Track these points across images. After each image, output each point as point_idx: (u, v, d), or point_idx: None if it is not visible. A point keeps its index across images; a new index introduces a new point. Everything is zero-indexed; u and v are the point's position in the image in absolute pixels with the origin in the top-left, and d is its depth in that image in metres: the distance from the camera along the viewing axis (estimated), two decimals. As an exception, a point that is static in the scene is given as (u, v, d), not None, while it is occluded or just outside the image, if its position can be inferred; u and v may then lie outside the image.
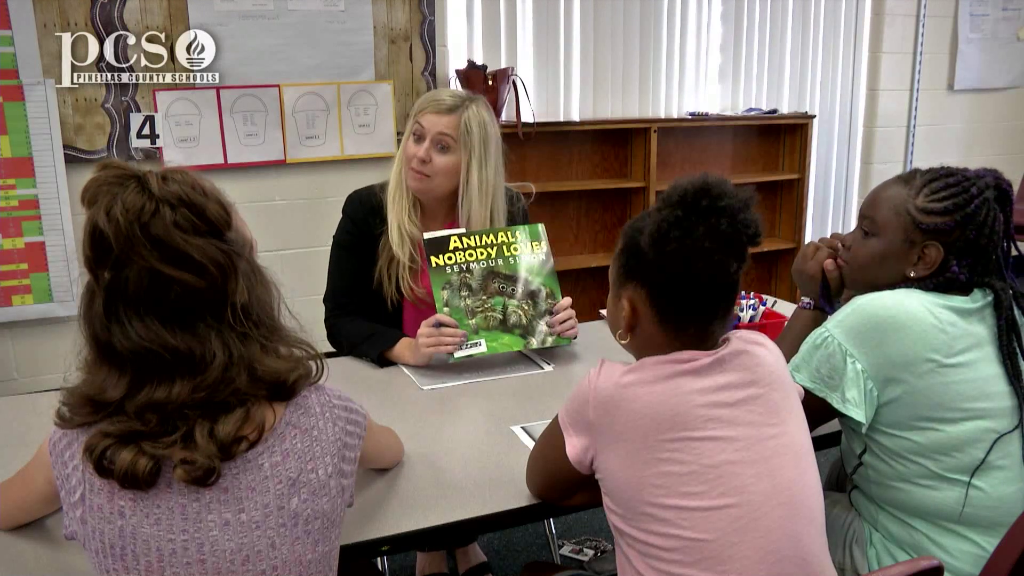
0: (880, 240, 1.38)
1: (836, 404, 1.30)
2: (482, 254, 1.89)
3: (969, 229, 1.31)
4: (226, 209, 0.98)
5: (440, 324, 1.81)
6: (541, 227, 1.96)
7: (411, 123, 1.93)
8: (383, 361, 1.88)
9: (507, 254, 1.91)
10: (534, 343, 1.88)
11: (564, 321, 1.89)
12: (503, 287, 1.89)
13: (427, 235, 1.86)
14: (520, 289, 1.90)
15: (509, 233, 1.93)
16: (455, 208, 1.96)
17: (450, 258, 1.86)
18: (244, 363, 0.95)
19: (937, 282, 1.34)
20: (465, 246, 1.88)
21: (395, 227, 1.94)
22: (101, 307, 0.93)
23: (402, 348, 1.87)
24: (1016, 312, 1.35)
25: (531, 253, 1.93)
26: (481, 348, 1.84)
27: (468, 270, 1.87)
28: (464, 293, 1.85)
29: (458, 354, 1.81)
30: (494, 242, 1.90)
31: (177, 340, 0.92)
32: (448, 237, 1.87)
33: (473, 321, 1.85)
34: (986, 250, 1.33)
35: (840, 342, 1.30)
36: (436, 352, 1.80)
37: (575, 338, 1.92)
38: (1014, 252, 1.40)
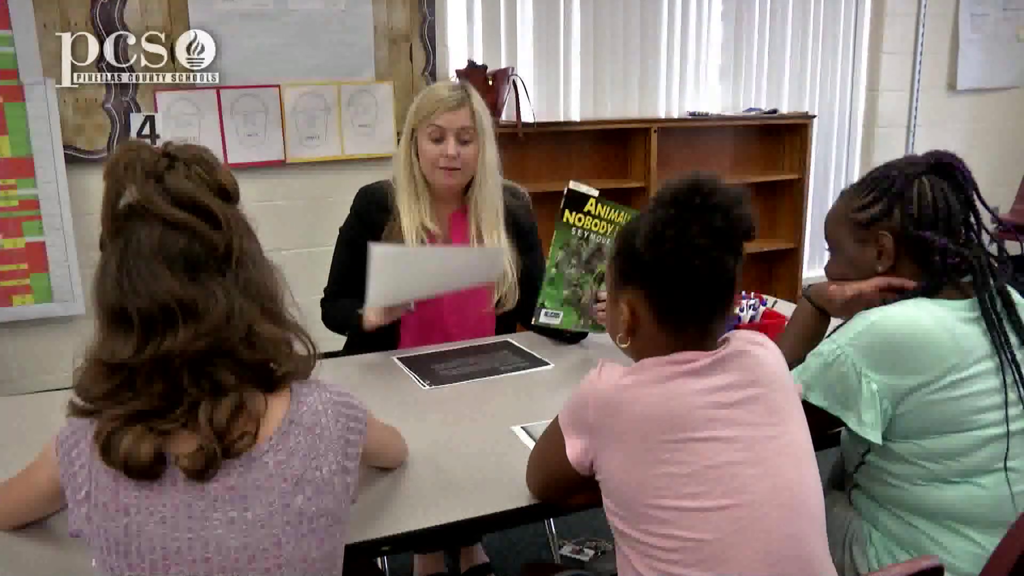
0: (841, 252, 1.44)
1: (852, 425, 1.29)
2: (603, 229, 1.87)
3: (905, 205, 1.34)
4: (235, 182, 1.04)
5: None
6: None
7: (424, 126, 1.98)
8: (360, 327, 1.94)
9: (609, 233, 1.89)
10: (580, 324, 1.91)
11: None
12: (592, 269, 1.89)
13: (573, 184, 1.82)
14: (597, 271, 1.91)
15: (626, 213, 1.89)
16: (464, 191, 2.07)
17: (579, 219, 1.83)
18: (244, 320, 0.98)
19: (934, 280, 1.33)
20: (596, 214, 1.85)
21: (413, 230, 1.99)
22: (115, 266, 0.97)
23: (369, 312, 1.89)
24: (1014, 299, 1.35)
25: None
26: (558, 320, 1.88)
27: (586, 239, 1.86)
28: (573, 261, 1.87)
29: (540, 320, 1.86)
30: (615, 221, 1.87)
31: (183, 291, 0.95)
32: (588, 197, 1.83)
33: (567, 292, 1.88)
34: (936, 219, 1.33)
35: (854, 361, 1.29)
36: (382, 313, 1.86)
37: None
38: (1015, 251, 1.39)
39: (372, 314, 1.86)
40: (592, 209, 1.84)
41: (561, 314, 1.88)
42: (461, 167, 1.99)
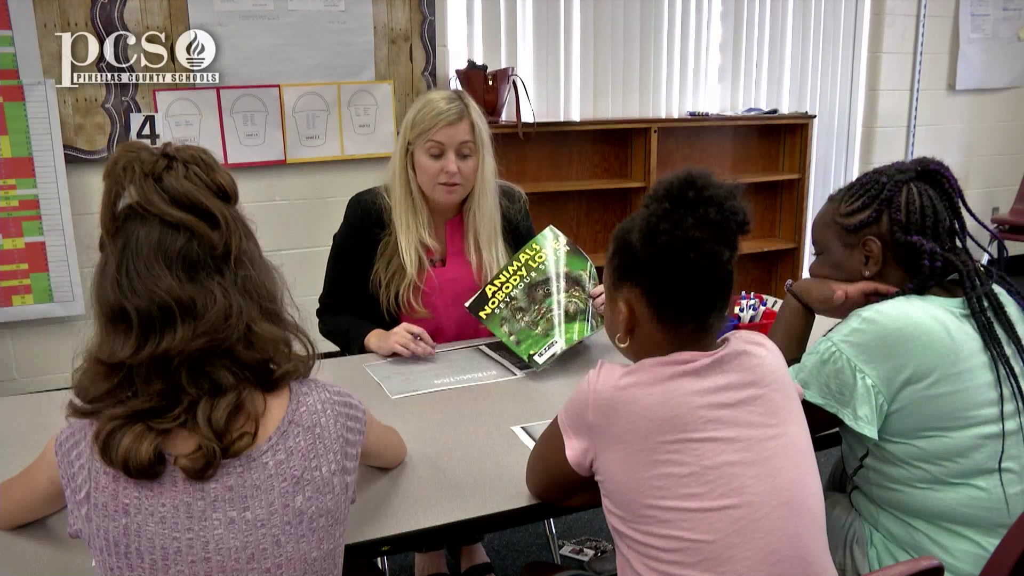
0: (828, 255, 1.46)
1: (848, 421, 1.30)
2: (515, 280, 1.93)
3: (893, 212, 1.36)
4: (234, 183, 1.04)
5: (419, 336, 1.91)
6: (550, 228, 2.01)
7: (422, 141, 1.93)
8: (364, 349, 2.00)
9: (535, 264, 1.95)
10: (593, 327, 1.92)
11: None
12: (547, 290, 1.92)
13: (467, 304, 1.93)
14: (561, 283, 1.92)
15: (528, 249, 1.97)
16: (461, 202, 2.04)
17: (493, 303, 1.91)
18: (242, 319, 0.98)
19: (920, 284, 1.34)
20: (499, 286, 1.93)
21: (411, 248, 1.98)
22: (114, 266, 0.98)
23: (371, 338, 1.96)
24: (1007, 302, 1.35)
25: (555, 251, 1.97)
26: (558, 347, 1.84)
27: (512, 298, 1.91)
28: (519, 316, 1.89)
29: (542, 360, 1.82)
30: (520, 264, 1.95)
31: (182, 290, 0.96)
32: (482, 293, 1.93)
33: (539, 329, 1.87)
34: (924, 226, 1.35)
35: (849, 357, 1.29)
36: (399, 352, 1.89)
37: None
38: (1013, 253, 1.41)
39: (375, 346, 1.95)
40: (495, 287, 1.92)
41: (556, 340, 1.85)
42: (461, 183, 1.95)
